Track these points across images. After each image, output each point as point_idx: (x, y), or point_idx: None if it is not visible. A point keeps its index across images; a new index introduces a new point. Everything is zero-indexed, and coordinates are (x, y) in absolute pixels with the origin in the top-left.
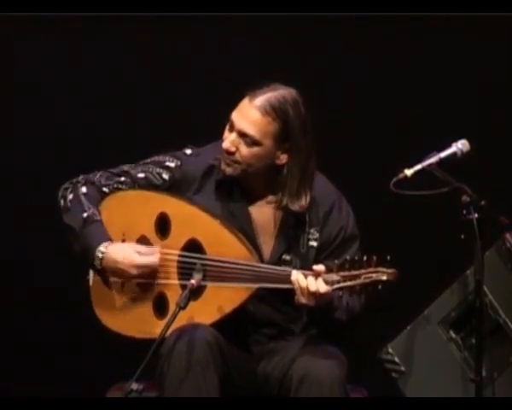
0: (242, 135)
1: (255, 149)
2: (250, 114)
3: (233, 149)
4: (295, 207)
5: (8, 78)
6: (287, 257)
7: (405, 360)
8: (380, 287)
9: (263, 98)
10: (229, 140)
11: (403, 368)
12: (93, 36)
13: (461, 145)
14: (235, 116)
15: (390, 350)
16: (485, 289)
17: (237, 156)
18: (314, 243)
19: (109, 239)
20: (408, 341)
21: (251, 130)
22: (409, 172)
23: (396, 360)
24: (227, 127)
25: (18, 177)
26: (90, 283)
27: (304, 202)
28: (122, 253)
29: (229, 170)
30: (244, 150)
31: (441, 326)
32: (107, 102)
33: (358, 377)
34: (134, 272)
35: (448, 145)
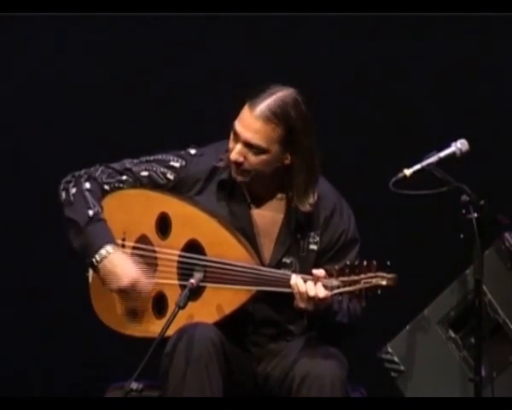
0: (248, 145)
1: (263, 157)
2: (253, 125)
3: (241, 159)
4: (305, 206)
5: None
6: (287, 260)
7: (405, 360)
8: (379, 292)
9: (263, 106)
10: (235, 152)
11: (402, 367)
12: (94, 34)
13: (460, 145)
14: (239, 127)
15: (389, 350)
16: (485, 288)
17: (246, 166)
18: (314, 247)
19: (114, 241)
20: (407, 340)
21: (256, 140)
22: (408, 171)
23: (395, 359)
24: (231, 137)
25: (17, 175)
26: (90, 280)
27: (312, 200)
28: (125, 262)
29: (239, 178)
30: (253, 159)
31: (440, 326)
32: (106, 101)
33: (357, 376)
34: (125, 283)
35: (447, 145)
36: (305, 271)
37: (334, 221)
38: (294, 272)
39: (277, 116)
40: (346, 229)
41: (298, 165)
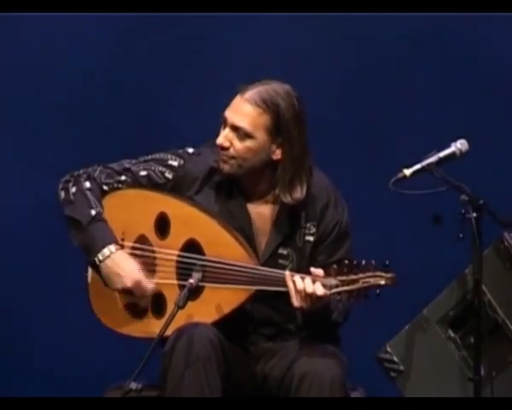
0: (235, 129)
1: (248, 143)
2: (241, 108)
3: (227, 143)
4: (287, 198)
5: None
6: (283, 251)
7: (404, 360)
8: (378, 291)
9: (253, 91)
10: (222, 135)
11: (401, 367)
12: (92, 34)
13: (460, 145)
14: (228, 112)
15: (388, 349)
16: (484, 288)
17: (232, 151)
18: (310, 238)
19: (116, 241)
20: (406, 340)
21: (242, 122)
22: (408, 171)
23: (394, 359)
24: (222, 126)
25: (16, 175)
26: (89, 280)
27: (299, 194)
28: (128, 262)
29: (226, 167)
30: (238, 144)
31: (440, 325)
32: (105, 102)
33: (357, 376)
34: (129, 283)
35: (447, 145)
36: (302, 262)
37: (329, 212)
38: (292, 263)
39: (266, 103)
40: (339, 220)
41: (286, 157)
